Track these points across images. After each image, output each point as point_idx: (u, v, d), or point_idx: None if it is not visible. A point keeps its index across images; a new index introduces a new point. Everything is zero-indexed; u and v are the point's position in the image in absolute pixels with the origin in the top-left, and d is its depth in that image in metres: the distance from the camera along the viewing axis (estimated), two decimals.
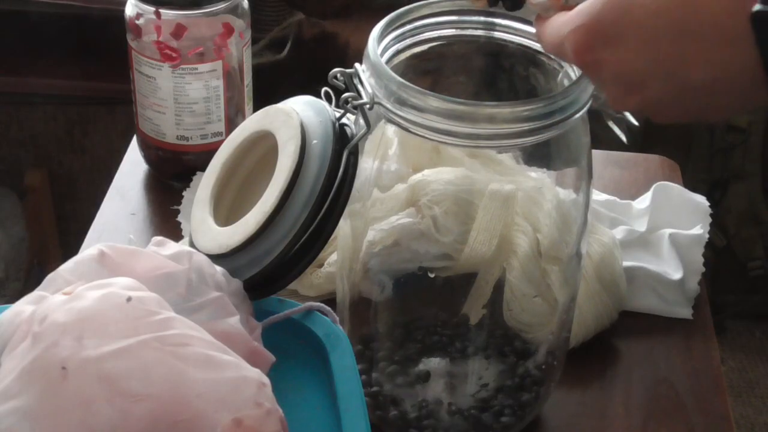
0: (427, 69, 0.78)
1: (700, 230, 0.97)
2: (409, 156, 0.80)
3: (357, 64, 0.72)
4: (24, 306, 0.62)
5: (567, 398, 0.86)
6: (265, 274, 0.71)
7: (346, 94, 0.71)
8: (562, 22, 0.64)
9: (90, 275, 0.64)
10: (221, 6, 1.00)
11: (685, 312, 0.94)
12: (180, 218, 1.01)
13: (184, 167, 1.05)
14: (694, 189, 1.03)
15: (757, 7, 0.54)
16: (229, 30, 1.01)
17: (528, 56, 0.76)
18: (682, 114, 0.63)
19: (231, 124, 1.04)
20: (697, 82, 0.59)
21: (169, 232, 0.98)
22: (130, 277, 0.63)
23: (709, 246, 0.98)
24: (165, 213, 1.02)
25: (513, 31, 0.76)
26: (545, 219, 0.78)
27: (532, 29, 0.75)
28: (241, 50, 1.03)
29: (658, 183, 1.02)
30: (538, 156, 0.76)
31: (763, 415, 1.92)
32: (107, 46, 1.54)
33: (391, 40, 0.74)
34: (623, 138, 0.74)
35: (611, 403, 0.86)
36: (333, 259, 0.90)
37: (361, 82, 0.71)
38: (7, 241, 1.79)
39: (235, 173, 0.78)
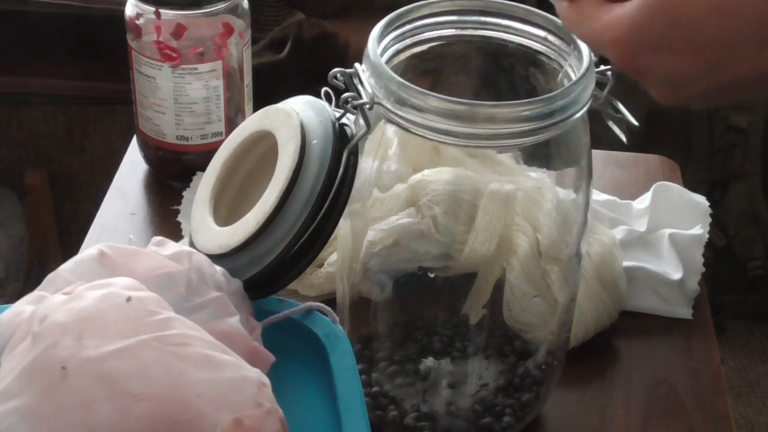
0: (427, 69, 0.78)
1: (700, 230, 0.97)
2: (409, 156, 0.80)
3: (357, 64, 0.72)
4: (24, 306, 0.62)
5: (567, 398, 0.86)
6: (265, 274, 0.71)
7: (346, 94, 0.71)
8: (601, 28, 0.65)
9: (90, 275, 0.64)
10: (221, 6, 1.00)
11: (685, 312, 0.94)
12: (180, 218, 1.01)
13: (184, 167, 1.05)
14: (694, 189, 1.03)
15: None
16: (229, 30, 1.01)
17: (528, 56, 0.76)
18: (723, 101, 0.67)
19: (231, 124, 1.04)
20: (742, 79, 0.62)
21: (169, 232, 0.98)
22: (130, 277, 0.63)
23: (709, 246, 0.98)
24: (165, 213, 1.02)
25: (513, 31, 0.76)
26: (545, 219, 0.78)
27: (532, 29, 0.75)
28: (241, 50, 1.03)
29: (658, 183, 1.02)
30: (538, 156, 0.76)
31: (763, 415, 1.92)
32: (107, 46, 1.54)
33: (391, 40, 0.74)
34: (623, 138, 0.74)
35: (611, 403, 0.86)
36: (333, 259, 0.89)
37: (361, 82, 0.71)
38: (7, 241, 1.79)
39: (235, 173, 0.78)
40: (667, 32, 0.61)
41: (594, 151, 0.77)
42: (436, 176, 0.79)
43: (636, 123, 0.73)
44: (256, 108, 0.91)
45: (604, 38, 0.64)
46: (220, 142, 0.82)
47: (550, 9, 0.71)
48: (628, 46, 0.63)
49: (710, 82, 0.63)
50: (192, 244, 0.75)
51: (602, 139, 0.86)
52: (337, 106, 0.72)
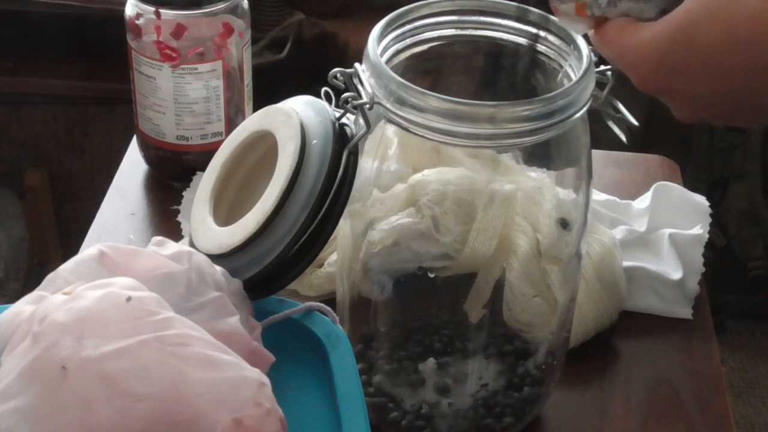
0: (427, 69, 0.78)
1: (700, 230, 0.97)
2: (409, 156, 0.80)
3: (357, 64, 0.72)
4: (24, 306, 0.62)
5: (567, 398, 0.86)
6: (265, 274, 0.71)
7: (346, 94, 0.71)
8: (624, 50, 0.66)
9: (90, 275, 0.64)
10: (221, 6, 1.00)
11: (685, 312, 0.94)
12: (180, 218, 1.01)
13: (184, 167, 1.05)
14: (694, 189, 1.03)
15: None
16: (229, 30, 1.01)
17: (528, 56, 0.76)
18: (745, 123, 0.69)
19: (231, 124, 1.04)
20: (762, 104, 0.64)
21: (169, 232, 0.98)
22: (130, 277, 0.63)
23: (709, 246, 0.98)
24: (165, 213, 1.02)
25: (513, 31, 0.76)
26: (545, 219, 0.78)
27: (532, 29, 0.75)
28: (241, 50, 1.03)
29: (658, 183, 1.02)
30: (538, 156, 0.76)
31: (763, 415, 1.92)
32: (107, 46, 1.54)
33: (391, 40, 0.74)
34: (623, 138, 0.74)
35: (611, 403, 0.86)
36: (333, 259, 0.89)
37: (361, 82, 0.71)
38: (7, 241, 1.79)
39: (235, 173, 0.78)
40: (688, 58, 0.63)
41: (594, 151, 0.77)
42: (436, 176, 0.79)
43: (636, 123, 0.73)
44: (256, 108, 0.91)
45: (626, 60, 0.66)
46: (220, 142, 0.82)
47: (550, 9, 0.71)
48: (650, 69, 0.65)
49: (734, 106, 0.64)
50: (192, 244, 0.75)
51: (602, 139, 0.86)
52: (337, 106, 0.72)
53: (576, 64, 0.72)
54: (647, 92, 0.67)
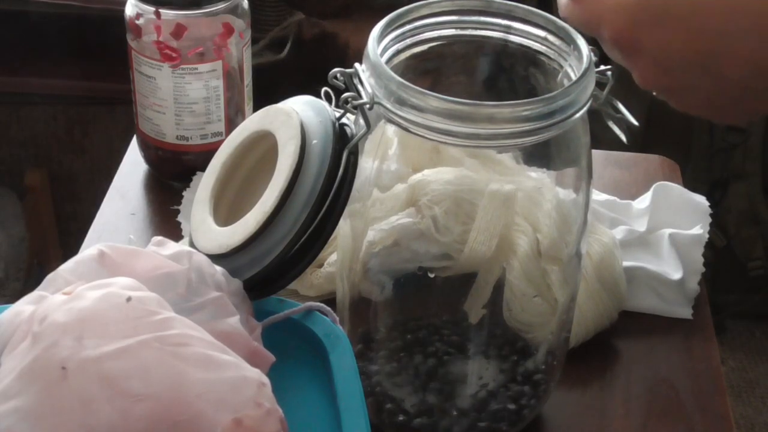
0: (427, 69, 0.78)
1: (699, 230, 0.97)
2: (409, 156, 0.80)
3: (357, 64, 0.72)
4: (24, 306, 0.62)
5: (567, 398, 0.86)
6: (265, 274, 0.71)
7: (346, 94, 0.71)
8: (601, 5, 0.66)
9: (90, 275, 0.64)
10: (221, 6, 1.00)
11: (685, 312, 0.94)
12: (180, 218, 1.01)
13: (184, 167, 1.05)
14: (694, 189, 1.03)
15: None
16: (229, 30, 1.01)
17: (528, 56, 0.76)
18: (706, 107, 0.67)
19: (231, 124, 1.04)
20: (732, 76, 0.63)
21: (169, 232, 0.98)
22: (130, 277, 0.63)
23: (709, 246, 0.98)
24: (165, 213, 1.02)
25: (513, 31, 0.76)
26: (545, 219, 0.78)
27: (532, 29, 0.75)
28: (241, 50, 1.03)
29: (658, 183, 1.02)
30: (538, 156, 0.76)
31: (763, 415, 1.92)
32: (107, 46, 1.54)
33: (391, 40, 0.74)
34: (623, 138, 0.74)
35: (611, 403, 0.86)
36: (333, 259, 0.90)
37: (361, 82, 0.71)
38: (7, 241, 1.79)
39: (235, 173, 0.78)
40: (663, 12, 0.63)
41: (594, 151, 0.77)
42: (436, 176, 0.79)
43: (636, 123, 0.73)
44: (256, 108, 0.91)
45: (603, 16, 0.66)
46: (220, 142, 0.82)
47: (550, 9, 0.71)
48: (625, 16, 0.65)
49: (703, 74, 0.63)
50: (192, 244, 0.75)
51: (602, 139, 0.86)
52: (337, 106, 0.72)
53: (576, 64, 0.72)
54: (620, 46, 0.66)
